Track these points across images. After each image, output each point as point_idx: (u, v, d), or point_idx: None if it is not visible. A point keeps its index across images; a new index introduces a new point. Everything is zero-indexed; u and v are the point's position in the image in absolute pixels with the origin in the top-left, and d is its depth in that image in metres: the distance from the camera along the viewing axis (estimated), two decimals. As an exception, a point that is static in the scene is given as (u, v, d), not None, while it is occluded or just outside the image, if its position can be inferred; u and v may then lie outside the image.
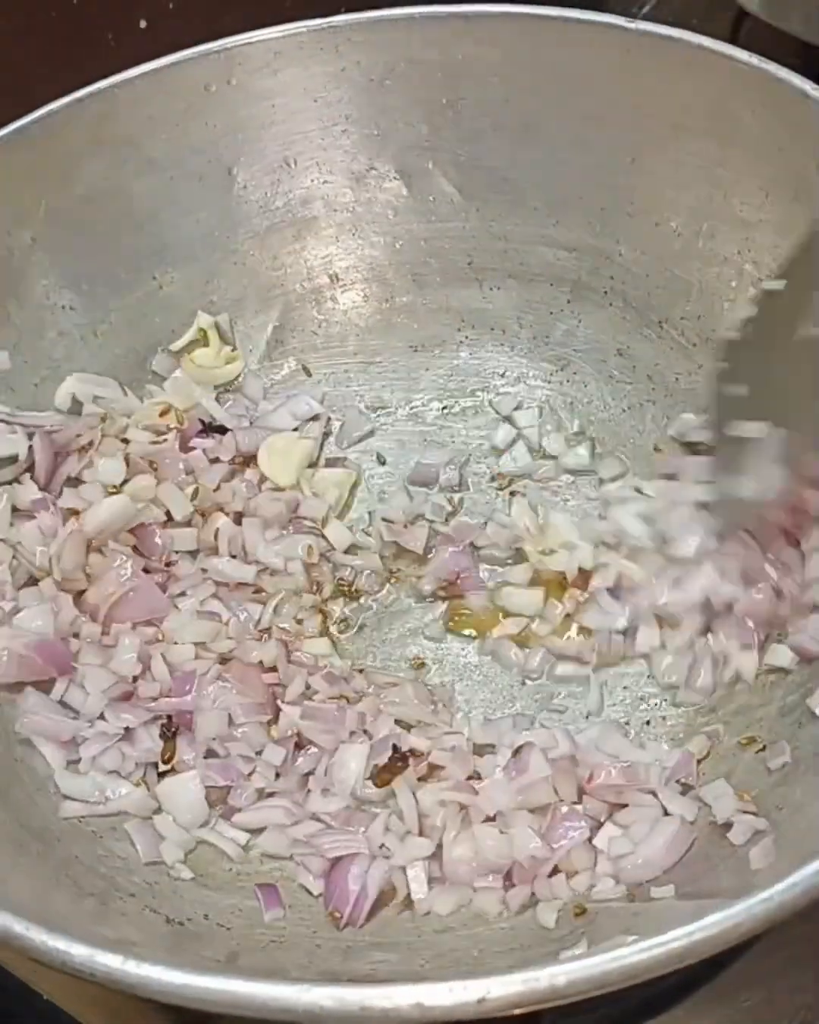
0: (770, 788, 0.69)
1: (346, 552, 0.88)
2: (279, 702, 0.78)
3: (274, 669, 0.80)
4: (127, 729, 0.75)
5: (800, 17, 1.10)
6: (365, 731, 0.77)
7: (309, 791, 0.75)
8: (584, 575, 0.83)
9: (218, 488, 0.88)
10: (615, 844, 0.69)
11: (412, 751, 0.75)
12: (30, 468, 0.85)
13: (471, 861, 0.70)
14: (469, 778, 0.73)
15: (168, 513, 0.85)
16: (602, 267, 0.93)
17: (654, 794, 0.71)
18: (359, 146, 0.95)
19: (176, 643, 0.80)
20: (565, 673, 0.82)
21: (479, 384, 0.98)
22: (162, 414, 0.90)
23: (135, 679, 0.78)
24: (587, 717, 0.80)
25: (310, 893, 0.71)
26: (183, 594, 0.84)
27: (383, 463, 0.96)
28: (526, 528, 0.87)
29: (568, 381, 0.96)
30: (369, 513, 0.92)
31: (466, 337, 0.99)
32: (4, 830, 0.67)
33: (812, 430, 0.72)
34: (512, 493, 0.92)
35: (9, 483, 0.84)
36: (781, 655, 0.75)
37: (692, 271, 0.89)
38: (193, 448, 0.89)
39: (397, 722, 0.77)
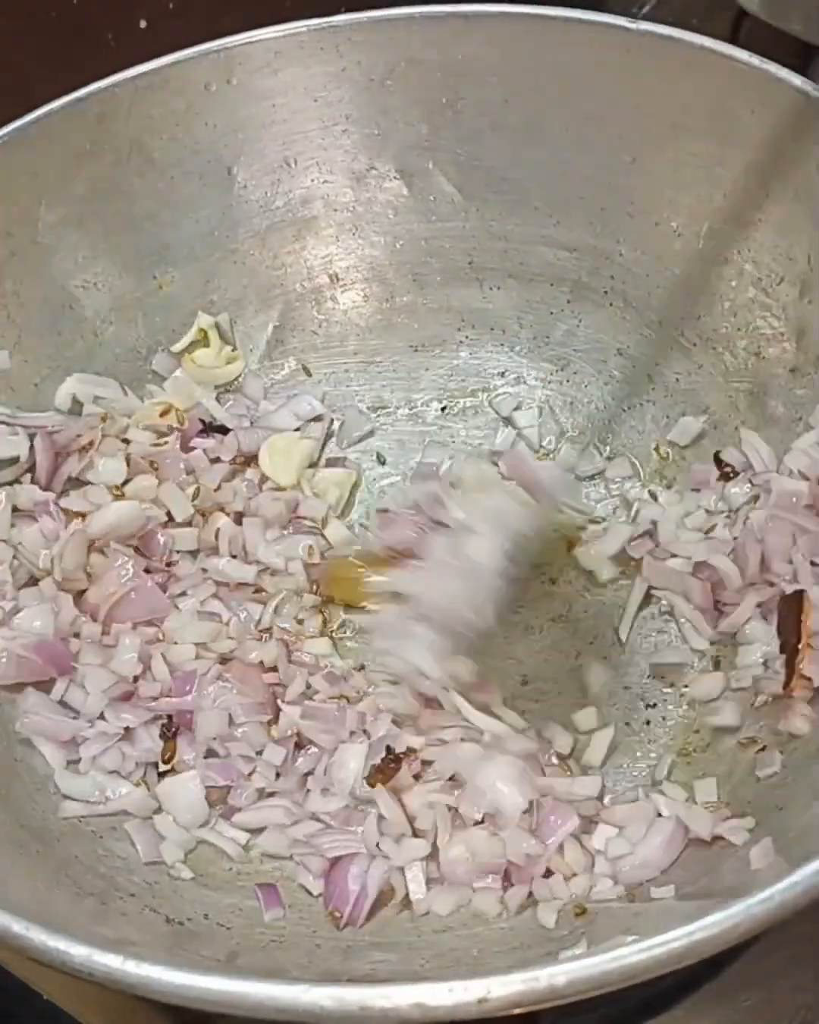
0: (770, 788, 0.69)
1: (346, 552, 0.88)
2: (279, 702, 0.78)
3: (274, 669, 0.80)
4: (127, 729, 0.75)
5: (800, 17, 1.09)
6: (365, 731, 0.77)
7: (309, 791, 0.75)
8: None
9: (219, 488, 0.88)
10: (613, 845, 0.69)
11: (409, 750, 0.74)
12: (31, 469, 0.85)
13: (467, 861, 0.70)
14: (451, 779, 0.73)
15: (169, 513, 0.85)
16: (602, 267, 0.93)
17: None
18: (359, 146, 0.95)
19: (176, 643, 0.80)
20: None
21: (479, 384, 0.98)
22: (163, 414, 0.90)
23: (135, 679, 0.78)
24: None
25: (310, 893, 0.71)
26: (184, 594, 0.84)
27: (383, 463, 0.96)
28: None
29: (568, 381, 0.96)
30: (369, 513, 0.92)
31: (466, 337, 0.99)
32: (4, 830, 0.67)
33: None
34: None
35: (10, 484, 0.84)
36: None
37: (692, 271, 0.89)
38: (194, 448, 0.89)
39: (395, 722, 0.77)
